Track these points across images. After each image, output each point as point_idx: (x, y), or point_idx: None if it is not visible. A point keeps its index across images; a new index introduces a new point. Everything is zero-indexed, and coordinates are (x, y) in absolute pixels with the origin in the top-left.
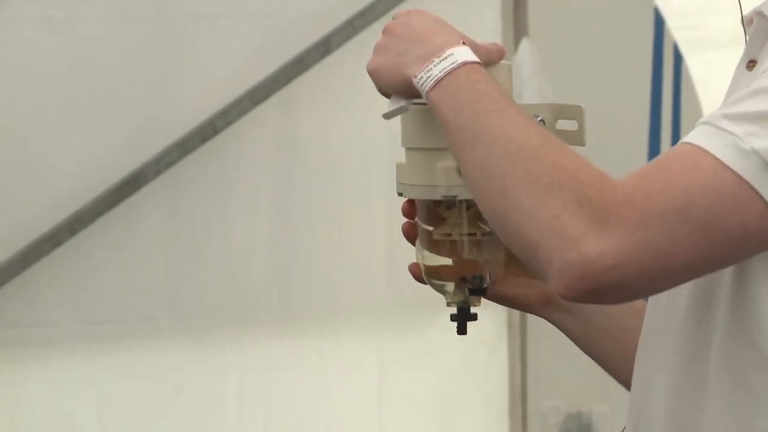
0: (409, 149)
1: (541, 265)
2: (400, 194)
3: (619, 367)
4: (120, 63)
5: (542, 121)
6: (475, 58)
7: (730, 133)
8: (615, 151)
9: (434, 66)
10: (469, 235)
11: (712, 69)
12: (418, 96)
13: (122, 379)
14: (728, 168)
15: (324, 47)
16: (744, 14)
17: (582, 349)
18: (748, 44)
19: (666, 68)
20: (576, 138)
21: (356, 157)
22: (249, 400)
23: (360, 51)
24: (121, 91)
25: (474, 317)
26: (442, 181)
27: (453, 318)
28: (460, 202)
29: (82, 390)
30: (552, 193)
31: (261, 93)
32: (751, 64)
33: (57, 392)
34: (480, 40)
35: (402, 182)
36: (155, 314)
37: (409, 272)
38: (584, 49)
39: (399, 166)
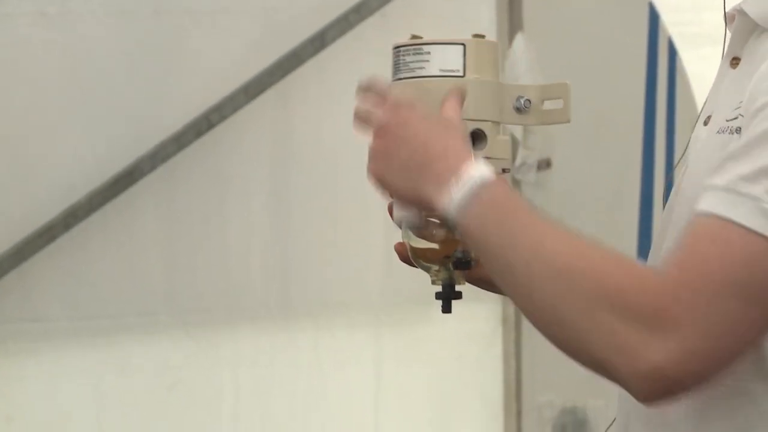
0: None
1: (613, 379)
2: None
3: None
4: (115, 58)
5: (528, 101)
6: (489, 172)
7: (752, 197)
8: (610, 145)
9: (454, 191)
10: None
11: (707, 64)
12: (431, 209)
13: (118, 374)
14: (759, 234)
15: (319, 42)
16: (726, 10)
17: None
18: (731, 41)
19: (661, 63)
20: (562, 115)
21: (352, 152)
22: (245, 396)
23: (355, 45)
24: (116, 86)
25: (459, 295)
26: None
27: (438, 296)
28: None
29: (78, 385)
30: (602, 308)
31: (256, 87)
32: (735, 61)
33: (53, 387)
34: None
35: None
36: (151, 309)
37: (397, 255)
38: (579, 44)
39: None
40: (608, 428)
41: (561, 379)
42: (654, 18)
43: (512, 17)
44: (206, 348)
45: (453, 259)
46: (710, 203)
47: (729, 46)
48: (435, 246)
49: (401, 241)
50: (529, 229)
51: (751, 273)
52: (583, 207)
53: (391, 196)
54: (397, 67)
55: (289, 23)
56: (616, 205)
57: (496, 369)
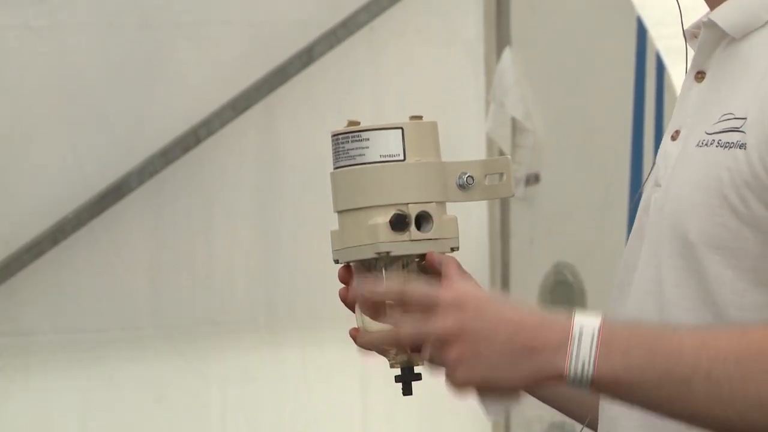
0: (341, 213)
1: None
2: (336, 261)
3: (573, 404)
4: (103, 72)
5: (471, 177)
6: (597, 317)
7: None
8: (598, 159)
9: (578, 350)
10: None
11: None
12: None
13: (105, 388)
14: None
15: (306, 56)
16: (686, 27)
17: (534, 395)
18: (696, 55)
19: (649, 77)
20: (505, 189)
21: None
22: (232, 410)
23: (342, 61)
24: (104, 100)
25: (418, 377)
26: (374, 237)
27: (398, 379)
28: (397, 258)
29: (65, 400)
30: None
31: (243, 102)
32: (699, 75)
33: (39, 401)
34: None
35: (336, 248)
36: (138, 324)
37: (353, 340)
38: (567, 58)
39: (333, 233)
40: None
41: None
42: (642, 32)
43: (500, 31)
44: (193, 363)
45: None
46: None
47: (693, 61)
48: (389, 327)
49: (356, 327)
50: (681, 342)
51: None
52: (572, 221)
53: (497, 392)
54: (337, 155)
55: (276, 38)
56: (604, 219)
57: None
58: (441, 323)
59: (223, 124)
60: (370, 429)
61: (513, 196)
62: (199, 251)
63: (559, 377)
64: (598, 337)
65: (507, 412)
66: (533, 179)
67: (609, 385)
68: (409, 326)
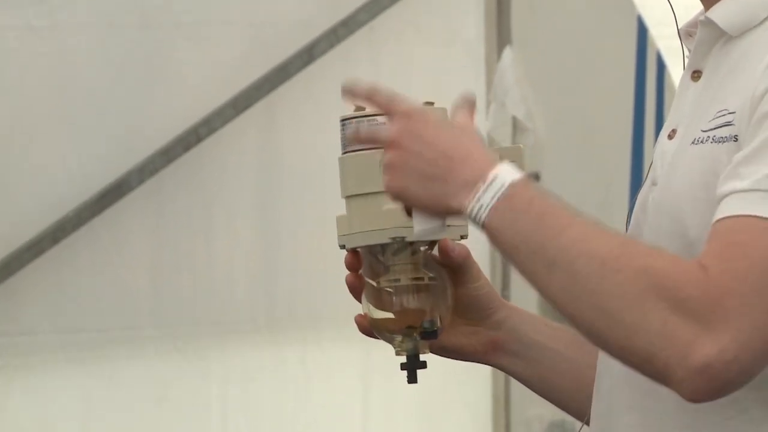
0: (350, 197)
1: (660, 374)
2: (342, 247)
3: (574, 401)
4: (104, 71)
5: None
6: (519, 174)
7: None
8: (599, 158)
9: (483, 193)
10: (416, 280)
11: None
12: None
13: (105, 388)
14: None
15: (307, 55)
16: (680, 27)
17: (535, 390)
18: (692, 54)
19: (649, 76)
20: None
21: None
22: (232, 409)
23: (343, 59)
24: (104, 100)
25: (423, 365)
26: (390, 223)
27: (403, 367)
28: (409, 244)
29: (65, 399)
30: (651, 300)
31: (244, 101)
32: (696, 74)
33: (40, 400)
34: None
35: (344, 233)
36: (138, 323)
37: (358, 327)
38: (567, 57)
39: (339, 219)
40: (580, 429)
41: None
42: (642, 31)
43: (500, 30)
44: (194, 362)
45: (420, 330)
46: (735, 206)
47: (690, 60)
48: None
49: (362, 313)
50: (568, 227)
51: None
52: None
53: (412, 207)
54: (347, 139)
55: (277, 37)
56: (605, 217)
57: (485, 382)
58: (388, 128)
59: (224, 123)
60: (370, 428)
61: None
62: (199, 250)
63: (459, 211)
64: (506, 190)
65: (431, 234)
66: (534, 177)
67: (493, 236)
68: (367, 127)
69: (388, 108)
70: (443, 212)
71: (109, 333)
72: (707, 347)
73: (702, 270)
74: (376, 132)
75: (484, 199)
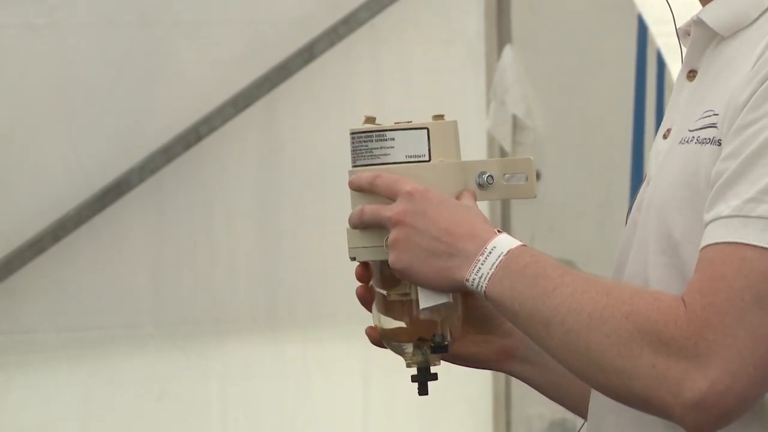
0: None
1: (662, 413)
2: (353, 258)
3: (587, 405)
4: (104, 70)
5: (491, 176)
6: (516, 242)
7: (759, 217)
8: (599, 156)
9: (482, 264)
10: None
11: None
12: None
13: (106, 385)
14: None
15: (308, 54)
16: (678, 26)
17: (548, 396)
18: (687, 54)
19: (649, 74)
20: (526, 191)
21: (340, 163)
22: (233, 407)
23: (343, 58)
24: (104, 98)
25: (434, 377)
26: None
27: (414, 379)
28: None
29: (65, 397)
30: (637, 346)
31: (244, 99)
32: (692, 74)
33: (40, 398)
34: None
35: (354, 246)
36: (139, 321)
37: (368, 338)
38: (568, 55)
39: (350, 231)
40: (581, 427)
41: None
42: (643, 29)
43: (500, 29)
44: (194, 359)
45: (431, 344)
46: (719, 233)
47: (686, 59)
48: (404, 325)
49: (372, 325)
50: (559, 285)
51: None
52: (573, 218)
53: (419, 284)
54: (359, 153)
55: (277, 35)
56: (605, 216)
57: (486, 381)
58: (391, 208)
59: (224, 121)
60: (371, 426)
61: (534, 197)
62: (200, 248)
63: (462, 283)
64: (503, 259)
65: (436, 313)
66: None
67: (495, 303)
68: (371, 209)
69: (392, 191)
70: (448, 287)
71: (110, 331)
72: (698, 383)
73: (683, 307)
74: (380, 214)
75: (483, 270)
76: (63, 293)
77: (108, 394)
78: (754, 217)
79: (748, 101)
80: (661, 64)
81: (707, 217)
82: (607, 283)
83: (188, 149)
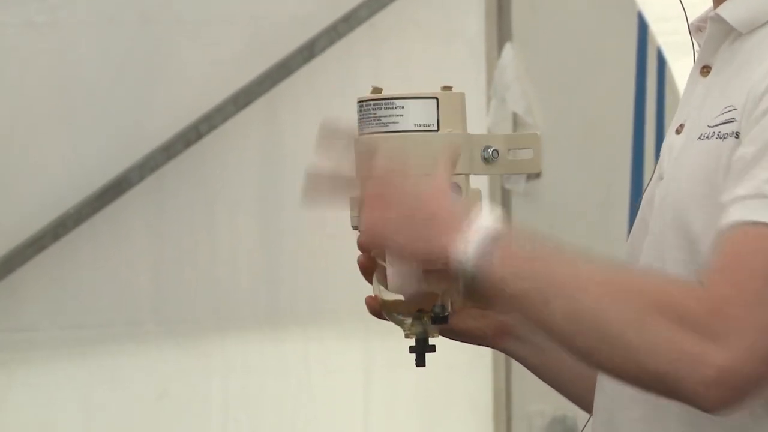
0: None
1: (674, 392)
2: (355, 227)
3: (579, 390)
4: (104, 67)
5: (496, 151)
6: (499, 219)
7: None
8: (599, 154)
9: (471, 239)
10: None
11: None
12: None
13: (107, 384)
14: None
15: (308, 52)
16: (690, 22)
17: (541, 377)
18: (702, 50)
19: (650, 72)
20: (532, 165)
21: None
22: (234, 405)
23: (344, 55)
24: (105, 96)
25: (432, 348)
26: None
27: (412, 350)
28: None
29: (66, 395)
30: (656, 320)
31: (245, 97)
32: (705, 69)
33: (41, 397)
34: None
35: (357, 214)
36: (140, 319)
37: (368, 308)
38: (568, 53)
39: (352, 200)
40: (584, 428)
41: (551, 388)
42: (643, 27)
43: (501, 27)
44: (195, 358)
45: (431, 314)
46: (737, 214)
47: (700, 55)
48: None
49: (372, 295)
50: (562, 261)
51: None
52: (573, 216)
53: (392, 256)
54: (366, 121)
55: (278, 33)
56: (605, 214)
57: (486, 377)
58: (373, 184)
59: (225, 119)
60: (372, 423)
61: (539, 172)
62: (201, 246)
63: (447, 260)
64: (495, 234)
65: (410, 290)
66: (534, 174)
67: (488, 281)
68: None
69: (371, 154)
70: (425, 260)
71: (111, 329)
72: (717, 358)
73: (700, 284)
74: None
75: (472, 244)
76: (63, 291)
77: (109, 391)
78: None
79: (766, 91)
80: (661, 63)
81: (725, 199)
82: (613, 262)
83: (189, 147)
